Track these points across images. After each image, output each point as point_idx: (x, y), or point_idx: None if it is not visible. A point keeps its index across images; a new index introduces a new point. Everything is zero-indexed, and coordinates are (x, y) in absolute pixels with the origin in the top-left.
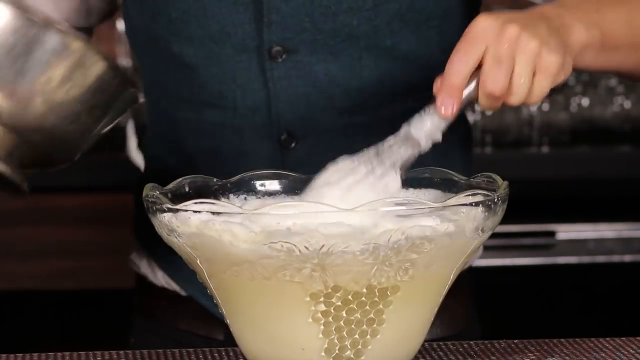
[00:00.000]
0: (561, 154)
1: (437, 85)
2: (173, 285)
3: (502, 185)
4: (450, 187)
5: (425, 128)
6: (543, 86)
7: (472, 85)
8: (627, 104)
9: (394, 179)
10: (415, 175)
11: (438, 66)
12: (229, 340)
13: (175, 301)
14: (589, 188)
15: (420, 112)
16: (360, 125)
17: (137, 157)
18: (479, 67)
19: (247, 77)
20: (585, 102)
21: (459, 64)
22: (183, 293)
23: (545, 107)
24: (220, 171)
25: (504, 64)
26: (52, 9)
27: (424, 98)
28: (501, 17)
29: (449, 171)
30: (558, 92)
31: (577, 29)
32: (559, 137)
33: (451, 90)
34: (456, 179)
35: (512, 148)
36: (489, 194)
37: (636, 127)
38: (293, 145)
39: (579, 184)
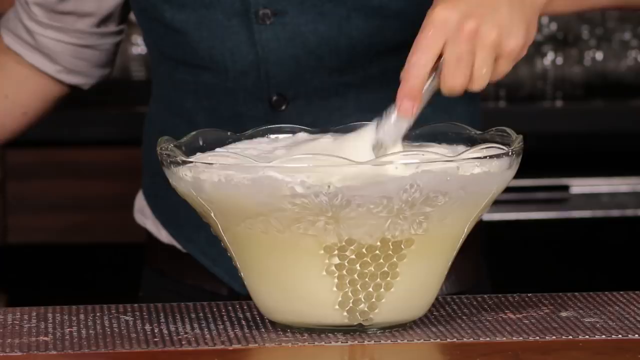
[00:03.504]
0: (575, 108)
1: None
2: (176, 243)
3: (517, 139)
4: (464, 141)
5: (390, 131)
6: (504, 69)
7: (433, 78)
8: None
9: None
10: (429, 129)
11: None
12: (233, 297)
13: (180, 258)
14: (603, 142)
15: (383, 113)
16: (351, 85)
17: None
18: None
19: (237, 40)
20: (599, 55)
21: (416, 66)
22: (185, 251)
23: (559, 60)
24: None
25: (463, 61)
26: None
27: None
28: (458, 5)
29: (463, 125)
30: (572, 45)
31: None
32: (572, 91)
33: (411, 93)
34: (471, 133)
35: (526, 102)
36: (503, 147)
37: None
38: (284, 107)
39: (593, 138)
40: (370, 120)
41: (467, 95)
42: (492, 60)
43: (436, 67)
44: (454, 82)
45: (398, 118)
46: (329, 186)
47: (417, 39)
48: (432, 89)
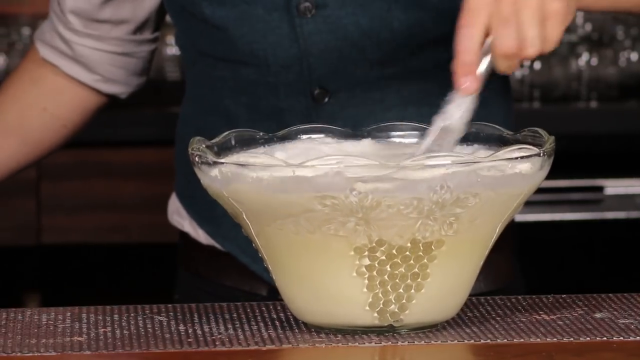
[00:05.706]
0: (609, 109)
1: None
2: (214, 243)
3: (549, 140)
4: (496, 142)
5: (456, 115)
6: (555, 31)
7: (488, 56)
8: None
9: None
10: None
11: None
12: (273, 296)
13: (219, 258)
14: (638, 143)
15: (444, 102)
16: (392, 77)
17: None
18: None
19: (278, 34)
20: (634, 56)
21: (465, 40)
22: (224, 250)
23: (594, 61)
24: (258, 128)
25: (510, 22)
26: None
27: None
28: None
29: (495, 126)
30: (607, 46)
31: None
32: (607, 92)
33: (465, 69)
34: (503, 134)
35: (561, 103)
36: (535, 148)
37: None
38: (326, 99)
39: (628, 139)
40: (410, 113)
41: (502, 91)
42: (538, 19)
43: (488, 52)
44: (505, 45)
45: (461, 99)
46: (358, 187)
47: (459, 21)
48: (488, 69)
